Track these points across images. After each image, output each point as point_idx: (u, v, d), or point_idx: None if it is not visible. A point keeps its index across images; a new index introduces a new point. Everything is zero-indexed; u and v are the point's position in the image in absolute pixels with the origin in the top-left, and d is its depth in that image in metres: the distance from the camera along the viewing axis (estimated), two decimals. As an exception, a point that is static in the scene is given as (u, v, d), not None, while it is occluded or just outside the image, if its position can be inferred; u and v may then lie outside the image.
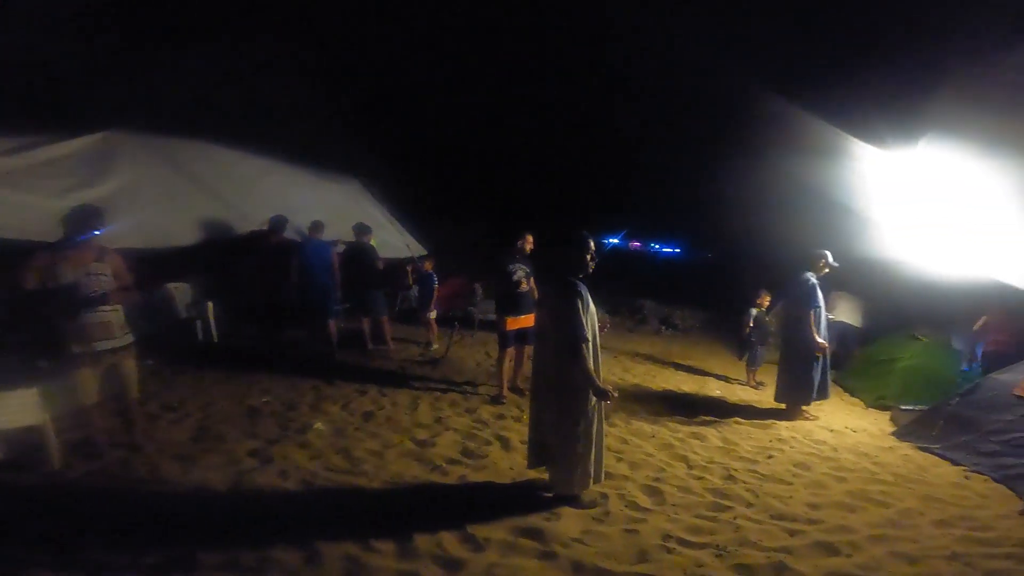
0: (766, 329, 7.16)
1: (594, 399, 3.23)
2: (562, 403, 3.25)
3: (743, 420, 5.48)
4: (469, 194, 18.03)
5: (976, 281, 6.05)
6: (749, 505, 3.54)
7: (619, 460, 4.16)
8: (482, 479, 3.70)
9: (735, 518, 3.33)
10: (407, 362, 6.80)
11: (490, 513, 3.16)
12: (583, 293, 3.22)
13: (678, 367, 8.05)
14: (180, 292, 6.99)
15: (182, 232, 6.30)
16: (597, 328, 3.35)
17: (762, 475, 4.07)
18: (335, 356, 6.72)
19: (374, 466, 3.79)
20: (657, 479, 3.86)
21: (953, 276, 6.24)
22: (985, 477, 4.24)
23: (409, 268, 7.49)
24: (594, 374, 3.17)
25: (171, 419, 4.47)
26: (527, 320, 5.32)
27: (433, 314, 7.69)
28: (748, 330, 7.15)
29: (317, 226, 6.86)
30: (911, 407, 5.90)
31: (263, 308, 7.02)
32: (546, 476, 3.51)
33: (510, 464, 3.94)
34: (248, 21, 10.35)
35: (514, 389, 5.70)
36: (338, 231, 7.49)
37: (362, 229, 7.22)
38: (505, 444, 4.32)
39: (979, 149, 4.95)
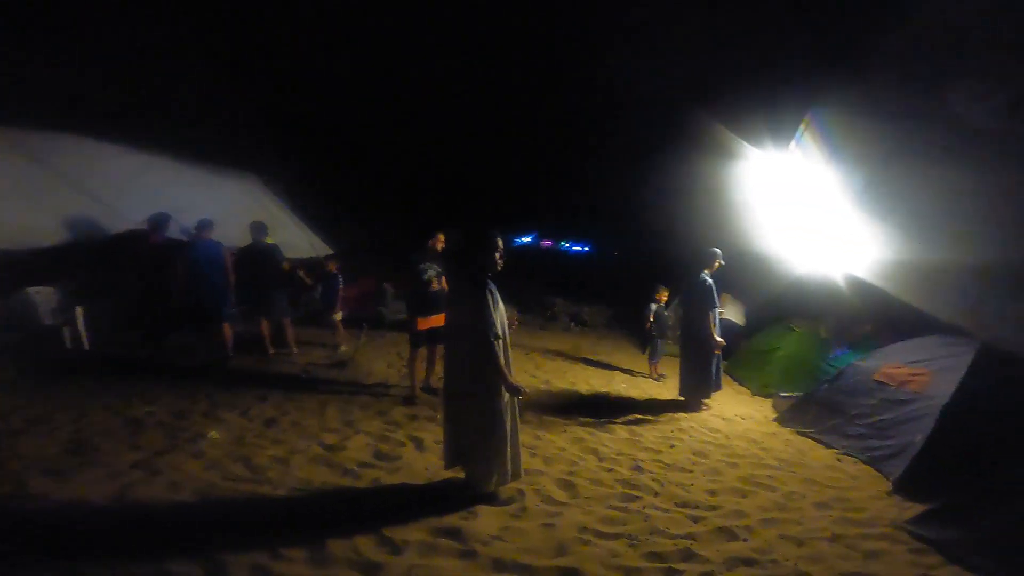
0: (665, 323, 7.60)
1: (507, 396, 3.26)
2: (476, 401, 3.26)
3: (647, 412, 5.77)
4: (380, 193, 17.57)
5: (834, 278, 6.82)
6: (656, 494, 3.72)
7: (533, 455, 4.22)
8: (397, 481, 3.61)
9: (644, 507, 3.48)
10: (313, 365, 6.49)
11: (407, 515, 3.09)
12: (493, 291, 3.27)
13: (587, 362, 8.32)
14: (44, 297, 6.20)
15: (44, 232, 5.65)
16: (507, 325, 3.39)
17: (666, 464, 4.30)
18: (231, 362, 6.29)
19: (279, 473, 3.58)
20: (570, 473, 3.96)
21: (817, 272, 7.00)
22: (855, 459, 4.66)
23: (288, 267, 7.12)
24: (506, 371, 3.20)
25: (38, 432, 3.96)
26: (438, 320, 5.27)
27: (339, 315, 7.42)
28: (649, 325, 7.55)
29: (205, 224, 6.39)
30: (789, 394, 6.45)
31: (145, 313, 6.41)
32: (462, 475, 3.49)
33: (425, 465, 3.88)
34: (137, 9, 9.44)
35: (427, 389, 5.62)
36: (234, 230, 7.05)
37: (259, 228, 6.84)
38: (419, 445, 4.25)
39: (837, 159, 5.55)
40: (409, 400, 5.34)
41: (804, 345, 7.54)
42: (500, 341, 3.20)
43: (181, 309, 6.35)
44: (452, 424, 3.44)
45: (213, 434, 4.12)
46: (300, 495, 3.33)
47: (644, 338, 7.80)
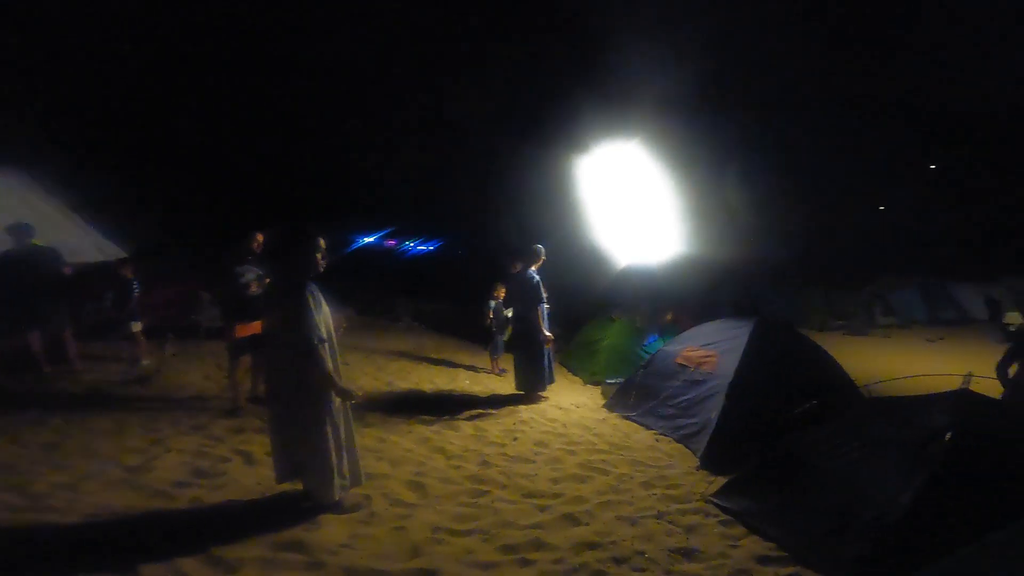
0: (504, 319, 7.81)
1: (338, 400, 3.10)
2: (303, 409, 3.04)
3: (490, 407, 5.86)
4: (194, 189, 15.49)
5: (645, 270, 7.67)
6: (503, 487, 3.76)
7: (379, 459, 4.04)
8: (222, 498, 3.21)
9: (493, 501, 3.50)
10: (104, 383, 5.54)
11: (239, 532, 2.76)
12: (314, 293, 3.08)
13: (431, 361, 8.25)
14: None
15: None
16: (332, 328, 3.21)
17: (510, 457, 4.38)
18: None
19: (67, 500, 2.99)
20: (419, 473, 3.87)
21: (633, 265, 7.80)
22: (669, 438, 5.05)
23: (68, 271, 6.06)
24: (334, 375, 3.04)
25: None
26: (260, 326, 4.85)
27: (138, 326, 6.40)
28: (489, 321, 7.71)
29: None
30: (614, 381, 6.91)
31: None
32: (300, 487, 3.22)
33: (256, 479, 3.50)
34: None
35: (254, 399, 5.12)
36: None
37: (22, 230, 5.77)
38: (248, 459, 3.83)
39: (643, 157, 6.25)
40: (233, 412, 4.81)
41: (624, 334, 8.17)
42: (325, 344, 3.02)
43: None
44: (280, 435, 3.17)
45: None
46: (97, 520, 2.80)
47: (485, 335, 7.95)
